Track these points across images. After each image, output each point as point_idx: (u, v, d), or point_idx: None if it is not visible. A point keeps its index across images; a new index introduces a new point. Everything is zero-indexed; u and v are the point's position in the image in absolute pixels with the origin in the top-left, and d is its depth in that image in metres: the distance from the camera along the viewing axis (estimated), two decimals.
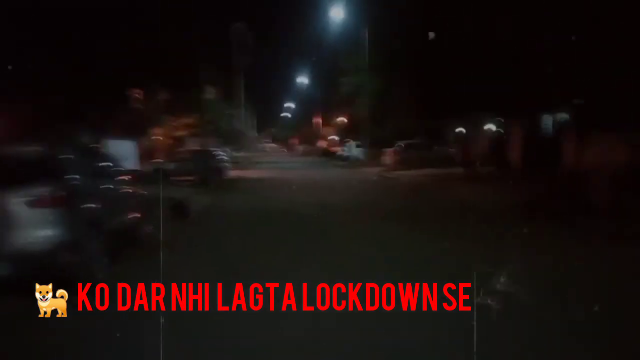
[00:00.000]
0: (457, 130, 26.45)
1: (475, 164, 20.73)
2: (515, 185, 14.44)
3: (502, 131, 22.42)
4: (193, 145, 22.26)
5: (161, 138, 29.14)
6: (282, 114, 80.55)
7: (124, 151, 20.88)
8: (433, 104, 24.38)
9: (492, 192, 13.36)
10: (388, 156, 24.78)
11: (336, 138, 50.68)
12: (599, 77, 15.58)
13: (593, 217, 8.46)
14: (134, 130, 21.96)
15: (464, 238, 7.60)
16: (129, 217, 7.32)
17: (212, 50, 24.06)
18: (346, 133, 43.20)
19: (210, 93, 25.21)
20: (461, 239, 7.45)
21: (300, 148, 67.33)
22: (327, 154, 48.06)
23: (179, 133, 29.45)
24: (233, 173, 24.19)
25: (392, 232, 8.53)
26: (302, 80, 53.61)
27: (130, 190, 7.69)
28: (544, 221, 8.87)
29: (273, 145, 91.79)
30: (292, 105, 72.95)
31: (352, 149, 36.58)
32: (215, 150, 21.93)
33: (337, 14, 30.74)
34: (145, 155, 24.89)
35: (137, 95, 24.58)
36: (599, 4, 15.13)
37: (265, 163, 38.72)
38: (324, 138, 55.26)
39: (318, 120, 53.24)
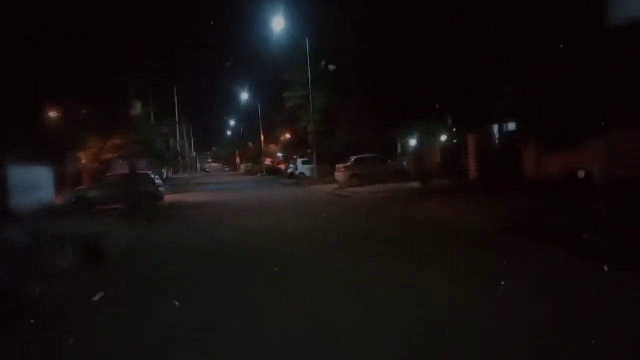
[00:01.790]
0: (410, 142, 25.54)
1: (431, 177, 19.71)
2: (481, 199, 13.32)
3: (455, 141, 21.62)
4: (121, 168, 19.58)
5: (85, 162, 26.05)
6: (224, 132, 77.61)
7: (35, 178, 17.99)
8: (383, 116, 23.26)
9: (461, 208, 12.06)
10: (340, 172, 23.28)
11: (281, 155, 49.07)
12: (550, 86, 14.92)
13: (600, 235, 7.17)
14: (49, 154, 19.02)
15: (447, 268, 6.28)
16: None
17: (143, 62, 21.54)
18: (292, 149, 41.67)
19: (140, 110, 22.65)
20: (444, 269, 6.11)
21: (244, 167, 65.03)
22: (274, 171, 46.32)
23: (107, 156, 26.49)
24: (170, 198, 21.70)
25: (364, 267, 6.83)
26: (244, 95, 51.49)
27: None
28: (537, 241, 7.55)
29: (215, 165, 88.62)
30: (233, 122, 70.44)
31: (300, 166, 35.09)
32: (147, 174, 19.37)
33: (278, 25, 29.17)
34: (67, 182, 21.85)
35: (54, 112, 21.59)
36: (552, 8, 14.46)
37: (206, 184, 36.15)
38: (269, 155, 53.46)
39: (262, 137, 51.29)
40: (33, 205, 15.41)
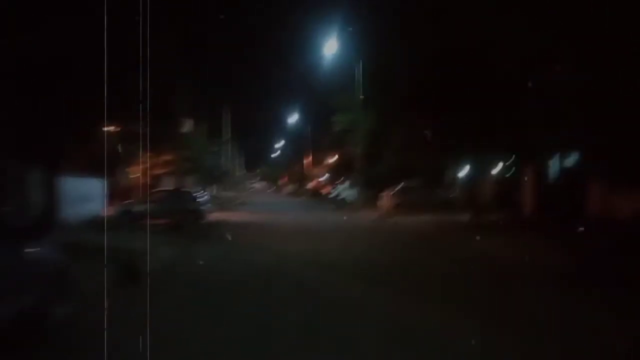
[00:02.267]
0: (460, 171, 24.48)
1: (483, 211, 18.59)
2: (543, 237, 12.25)
3: (512, 173, 20.42)
4: (169, 184, 19.83)
5: (136, 176, 26.73)
6: (271, 153, 78.63)
7: (88, 190, 18.49)
8: (433, 143, 22.47)
9: (524, 246, 11.09)
10: (384, 200, 22.53)
11: (325, 178, 48.80)
12: (617, 116, 13.69)
13: None
14: (103, 166, 19.55)
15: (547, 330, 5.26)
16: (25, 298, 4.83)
17: (196, 83, 22.04)
18: (337, 173, 41.32)
19: (192, 127, 23.10)
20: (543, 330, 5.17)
21: (289, 188, 65.26)
22: (317, 194, 46.01)
23: (158, 171, 27.10)
24: (215, 216, 21.73)
25: (433, 318, 5.92)
26: (293, 117, 52.00)
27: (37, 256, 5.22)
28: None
29: (261, 184, 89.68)
30: (282, 143, 71.25)
31: (344, 191, 34.55)
32: (189, 191, 19.50)
33: (330, 49, 29.18)
34: (118, 195, 22.40)
35: (109, 128, 22.32)
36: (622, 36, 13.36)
37: (252, 204, 36.30)
38: (314, 178, 53.34)
39: (308, 159, 51.35)
40: (83, 216, 15.74)
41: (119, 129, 21.71)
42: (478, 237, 12.83)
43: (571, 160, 17.53)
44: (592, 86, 13.45)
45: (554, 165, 18.33)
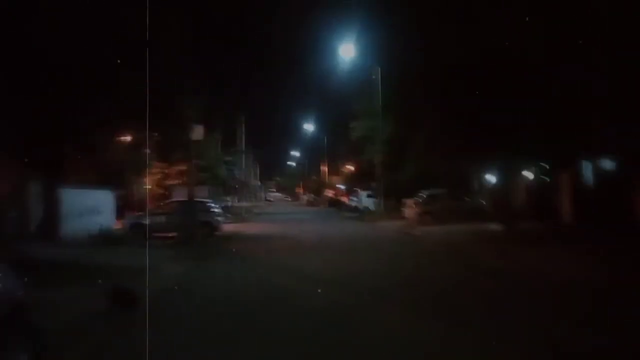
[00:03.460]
0: (488, 177, 23.06)
1: (516, 219, 17.13)
2: (586, 248, 10.85)
3: (546, 179, 18.97)
4: (181, 195, 18.90)
5: (150, 187, 25.97)
6: (287, 162, 77.86)
7: (96, 203, 17.63)
8: (459, 146, 21.11)
9: (565, 259, 9.74)
10: (409, 208, 21.22)
11: (344, 187, 47.68)
12: None
13: None
14: (111, 177, 18.77)
15: None
16: None
17: (210, 89, 21.16)
18: (356, 182, 40.16)
19: (205, 136, 22.22)
20: None
21: (306, 197, 64.27)
22: (335, 203, 44.89)
23: (172, 181, 26.30)
24: (229, 227, 20.75)
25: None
26: (309, 126, 51.00)
27: None
28: None
29: (277, 194, 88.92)
30: (297, 153, 70.40)
31: (363, 199, 33.36)
32: (204, 202, 18.51)
33: (347, 53, 28.13)
34: (131, 207, 21.59)
35: (120, 135, 21.59)
36: None
37: (267, 214, 35.31)
38: (331, 187, 52.26)
39: (325, 168, 50.27)
40: (89, 230, 14.84)
41: (129, 137, 20.99)
42: (511, 249, 11.51)
43: (610, 164, 16.03)
44: (628, 85, 12.14)
45: (592, 170, 16.84)
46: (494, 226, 17.02)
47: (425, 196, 20.92)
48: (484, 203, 21.57)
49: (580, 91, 14.36)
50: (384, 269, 10.47)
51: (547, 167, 19.00)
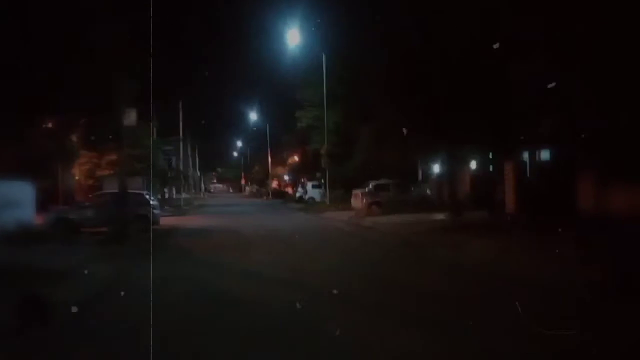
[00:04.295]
0: (433, 167, 23.25)
1: (461, 209, 17.25)
2: (535, 238, 10.89)
3: (488, 168, 19.28)
4: (112, 186, 17.33)
5: (79, 178, 23.88)
6: (230, 152, 75.56)
7: (13, 195, 15.74)
8: (405, 138, 21.03)
9: (517, 251, 9.64)
10: (357, 199, 20.90)
11: (288, 177, 46.98)
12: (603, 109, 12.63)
13: None
14: (31, 167, 16.84)
15: None
16: None
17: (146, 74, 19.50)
18: (299, 172, 39.58)
19: (140, 122, 20.49)
20: None
21: (250, 189, 62.95)
22: (280, 194, 44.10)
23: (103, 172, 24.30)
24: (167, 221, 19.41)
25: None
26: (253, 115, 49.58)
27: None
28: None
29: (219, 186, 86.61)
30: (240, 143, 68.52)
31: (309, 190, 32.88)
32: (140, 193, 17.09)
33: (292, 40, 27.25)
34: (57, 200, 19.61)
35: (42, 122, 19.54)
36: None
37: (209, 207, 33.87)
38: (275, 178, 51.39)
39: (269, 158, 49.24)
40: (3, 226, 13.13)
41: (53, 122, 19.03)
42: (461, 240, 11.35)
43: (555, 153, 16.48)
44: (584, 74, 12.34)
45: (536, 160, 17.27)
46: (440, 216, 17.06)
47: (372, 187, 20.67)
48: (430, 193, 21.71)
49: (522, 84, 14.56)
50: (330, 261, 9.94)
51: (491, 157, 19.33)
